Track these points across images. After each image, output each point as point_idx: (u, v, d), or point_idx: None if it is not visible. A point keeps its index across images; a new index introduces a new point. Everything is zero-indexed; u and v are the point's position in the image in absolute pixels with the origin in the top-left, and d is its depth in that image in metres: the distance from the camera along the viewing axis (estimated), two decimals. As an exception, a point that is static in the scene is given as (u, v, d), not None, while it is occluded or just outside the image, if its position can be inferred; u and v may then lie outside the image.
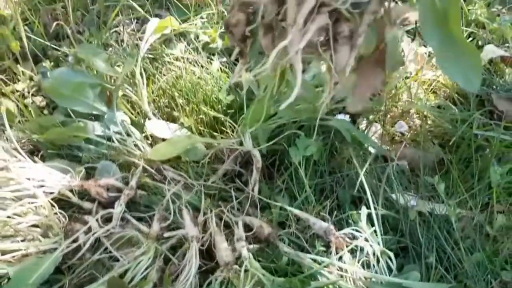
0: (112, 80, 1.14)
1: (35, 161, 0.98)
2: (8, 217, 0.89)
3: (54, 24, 1.27)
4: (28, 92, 1.25)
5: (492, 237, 1.04)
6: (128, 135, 1.08)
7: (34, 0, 1.43)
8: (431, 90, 1.32)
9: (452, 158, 1.12)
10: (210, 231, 0.95)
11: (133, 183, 0.99)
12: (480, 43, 1.39)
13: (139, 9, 1.37)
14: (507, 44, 1.33)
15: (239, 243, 0.92)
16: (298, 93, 0.37)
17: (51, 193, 0.93)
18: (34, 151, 1.10)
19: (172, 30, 1.26)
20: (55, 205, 0.93)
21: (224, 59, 1.31)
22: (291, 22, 0.34)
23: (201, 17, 1.41)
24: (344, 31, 0.37)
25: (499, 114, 1.24)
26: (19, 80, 1.25)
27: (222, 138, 1.17)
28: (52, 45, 1.30)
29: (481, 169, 1.10)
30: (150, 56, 1.22)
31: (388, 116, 1.26)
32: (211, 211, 1.01)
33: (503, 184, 1.08)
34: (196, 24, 1.35)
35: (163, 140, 1.08)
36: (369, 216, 0.99)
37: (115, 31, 1.36)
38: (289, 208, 0.98)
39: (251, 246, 0.94)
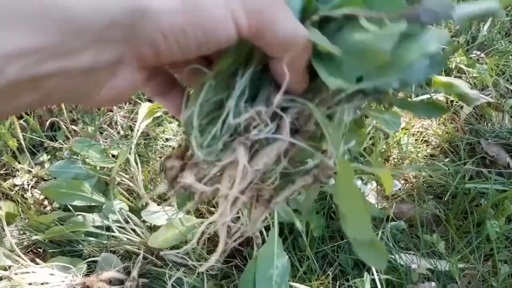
0: (109, 170, 1.17)
1: (37, 263, 1.00)
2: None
3: (49, 121, 1.31)
4: (28, 184, 1.28)
5: (498, 289, 1.03)
6: (127, 222, 1.10)
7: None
8: (422, 140, 1.34)
9: (449, 211, 1.12)
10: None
11: (134, 274, 1.00)
12: (463, 89, 1.42)
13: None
14: (489, 89, 1.36)
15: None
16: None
17: (55, 294, 0.94)
18: (35, 251, 1.11)
19: (163, 112, 1.30)
20: (60, 306, 0.94)
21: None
22: (222, 196, 0.36)
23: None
24: (264, 195, 0.40)
25: (491, 159, 1.26)
26: (18, 175, 1.29)
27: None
28: (47, 138, 1.34)
29: (478, 221, 1.10)
30: (144, 141, 1.25)
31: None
32: (214, 293, 1.01)
33: (503, 232, 1.08)
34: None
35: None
36: (373, 281, 1.00)
37: (108, 116, 1.40)
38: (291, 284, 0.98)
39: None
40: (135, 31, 0.27)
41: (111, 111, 1.41)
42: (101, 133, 1.38)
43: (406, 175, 1.30)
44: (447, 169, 1.17)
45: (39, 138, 1.34)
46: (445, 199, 1.10)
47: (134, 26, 0.26)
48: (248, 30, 0.29)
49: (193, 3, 0.27)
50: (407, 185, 1.25)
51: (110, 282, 1.00)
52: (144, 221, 1.13)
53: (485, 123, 1.32)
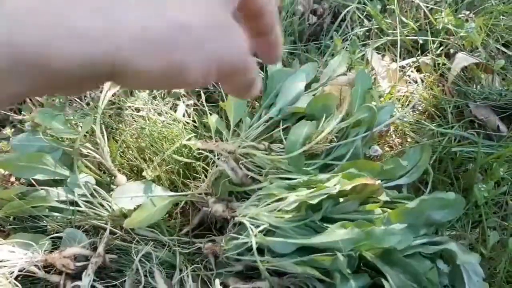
0: (72, 142, 1.10)
1: (-5, 240, 0.93)
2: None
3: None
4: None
5: (487, 258, 0.98)
6: (94, 196, 1.04)
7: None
8: (407, 105, 1.27)
9: (435, 174, 1.06)
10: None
11: (100, 249, 0.94)
12: (451, 51, 1.35)
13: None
14: (478, 50, 1.29)
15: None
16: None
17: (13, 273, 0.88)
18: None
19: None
20: (19, 284, 0.88)
21: (191, 101, 1.27)
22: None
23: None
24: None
25: (480, 123, 1.19)
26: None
27: (195, 186, 1.13)
28: (11, 111, 1.27)
29: (466, 186, 1.04)
30: (111, 111, 1.18)
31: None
32: (186, 268, 0.96)
33: (492, 197, 1.02)
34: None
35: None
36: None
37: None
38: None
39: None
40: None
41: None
42: (70, 105, 1.31)
43: (391, 141, 1.23)
44: (434, 129, 1.11)
45: (4, 112, 1.27)
46: (431, 164, 1.04)
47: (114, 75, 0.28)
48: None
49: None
50: (391, 151, 1.19)
51: (75, 258, 0.94)
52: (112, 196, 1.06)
53: (474, 86, 1.25)
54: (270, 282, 0.91)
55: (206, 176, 1.13)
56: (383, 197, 0.92)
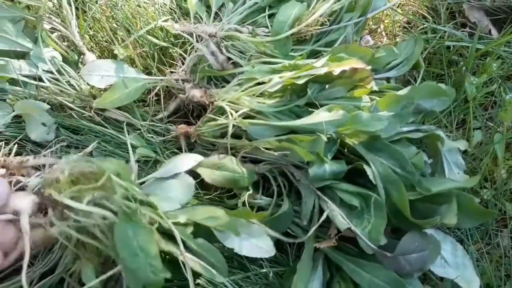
0: (36, 12, 0.99)
1: None
2: None
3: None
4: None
5: (470, 155, 0.96)
6: (61, 73, 0.95)
7: None
8: (398, 6, 1.20)
9: (427, 68, 1.02)
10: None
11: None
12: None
13: None
14: None
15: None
16: None
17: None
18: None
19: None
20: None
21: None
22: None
23: None
24: None
25: (472, 26, 1.14)
26: None
27: (171, 72, 1.05)
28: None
29: (454, 84, 1.00)
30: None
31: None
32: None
33: (479, 99, 0.99)
34: None
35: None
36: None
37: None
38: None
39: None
40: None
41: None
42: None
43: (379, 42, 1.17)
44: (426, 25, 1.05)
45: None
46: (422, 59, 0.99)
47: None
48: None
49: None
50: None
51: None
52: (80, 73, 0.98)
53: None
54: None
55: (183, 64, 1.05)
56: (372, 86, 0.88)
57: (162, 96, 1.01)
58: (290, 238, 0.82)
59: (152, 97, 1.01)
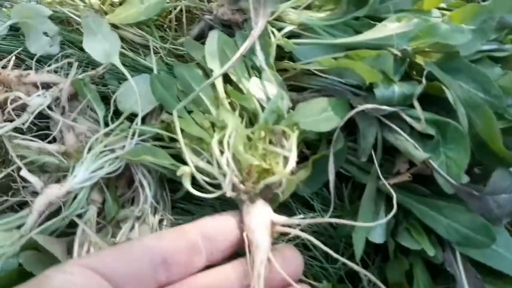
0: None
1: None
2: None
3: None
4: None
5: None
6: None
7: None
8: None
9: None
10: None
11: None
12: None
13: None
14: None
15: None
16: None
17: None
18: None
19: None
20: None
21: None
22: None
23: None
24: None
25: None
26: None
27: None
28: None
29: None
30: None
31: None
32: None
33: None
34: None
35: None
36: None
37: None
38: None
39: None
40: None
41: None
42: None
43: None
44: None
45: None
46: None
47: None
48: None
49: None
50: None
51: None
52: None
53: None
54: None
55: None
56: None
57: (184, 17, 0.86)
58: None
59: (173, 18, 0.85)
